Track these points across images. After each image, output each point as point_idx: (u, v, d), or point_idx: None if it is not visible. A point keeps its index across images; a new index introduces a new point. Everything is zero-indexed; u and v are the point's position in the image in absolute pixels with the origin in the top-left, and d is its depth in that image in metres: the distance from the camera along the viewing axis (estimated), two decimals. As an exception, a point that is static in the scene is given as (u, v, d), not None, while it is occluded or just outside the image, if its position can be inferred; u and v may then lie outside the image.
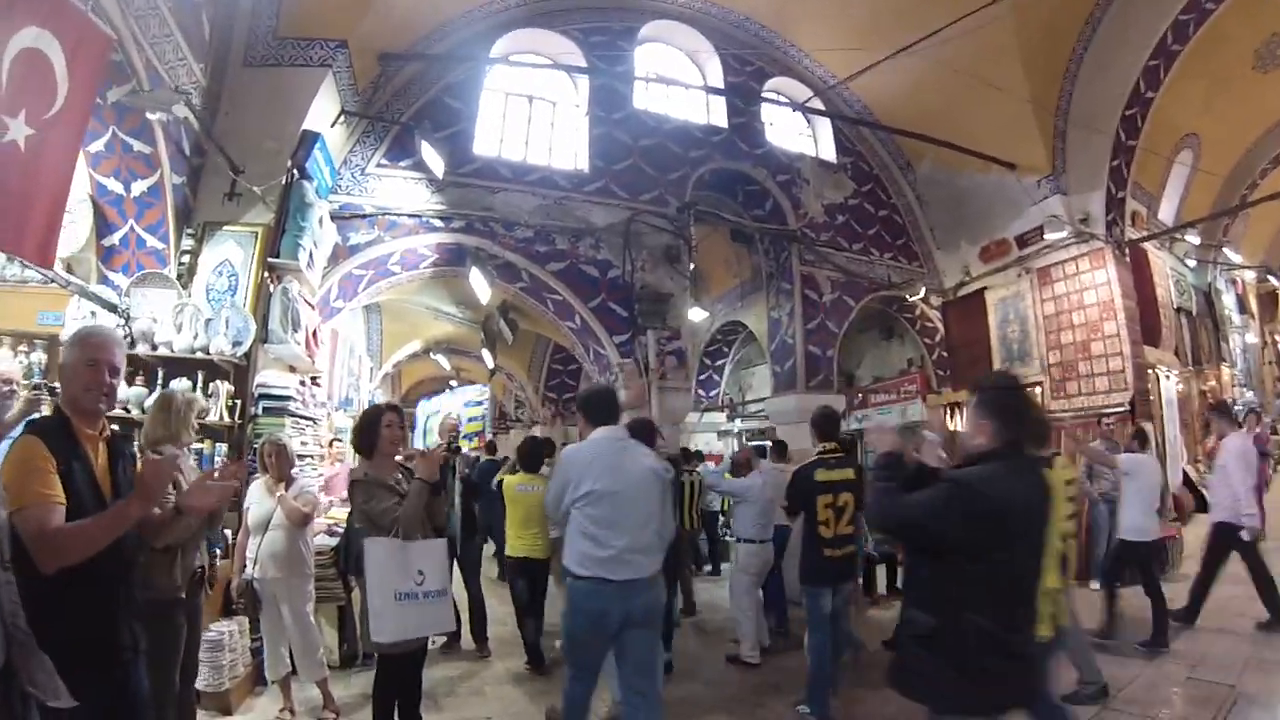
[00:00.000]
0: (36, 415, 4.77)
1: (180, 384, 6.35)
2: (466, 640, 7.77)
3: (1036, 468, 2.90)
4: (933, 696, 2.85)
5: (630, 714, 4.15)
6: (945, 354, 13.68)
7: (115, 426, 3.27)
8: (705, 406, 17.23)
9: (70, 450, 2.68)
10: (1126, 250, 11.06)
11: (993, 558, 2.67)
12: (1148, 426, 8.93)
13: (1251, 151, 14.06)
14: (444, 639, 7.66)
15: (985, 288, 12.66)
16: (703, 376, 17.27)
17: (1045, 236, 11.14)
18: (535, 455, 7.40)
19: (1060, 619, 2.99)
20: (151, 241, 6.73)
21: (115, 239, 6.69)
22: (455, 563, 7.80)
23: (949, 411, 13.65)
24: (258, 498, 5.61)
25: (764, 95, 12.16)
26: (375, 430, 4.40)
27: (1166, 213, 13.66)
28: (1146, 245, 11.82)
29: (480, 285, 9.52)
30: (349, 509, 5.55)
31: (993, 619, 2.66)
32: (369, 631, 4.16)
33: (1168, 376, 12.05)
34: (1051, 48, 10.32)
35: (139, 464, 2.99)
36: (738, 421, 18.85)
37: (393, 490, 4.28)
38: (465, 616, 7.80)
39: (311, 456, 8.01)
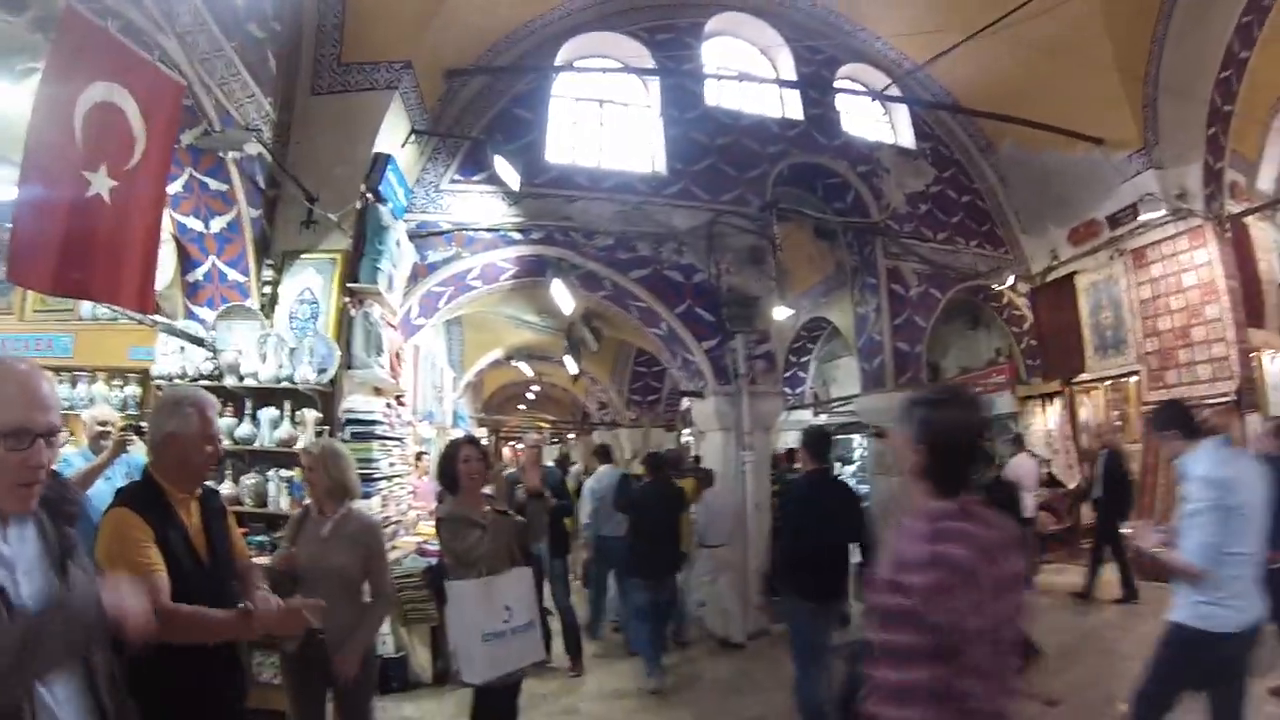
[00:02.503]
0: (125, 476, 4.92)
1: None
2: (559, 657, 7.77)
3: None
4: None
5: None
6: (1034, 342, 13.17)
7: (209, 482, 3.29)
8: (792, 404, 16.99)
9: (164, 517, 2.68)
10: (1228, 226, 10.34)
11: None
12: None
13: (1355, 104, 13.16)
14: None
15: (1075, 272, 12.05)
16: (787, 374, 17.01)
17: (1140, 215, 10.48)
18: None
19: None
20: (233, 275, 6.89)
21: (198, 274, 6.90)
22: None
23: (1040, 404, 13.16)
24: None
25: (837, 85, 11.86)
26: (454, 467, 4.37)
27: (1266, 179, 12.69)
28: (1248, 218, 11.10)
29: (562, 296, 9.51)
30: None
31: None
32: (460, 671, 4.20)
33: (1273, 359, 11.34)
34: (1137, 12, 9.65)
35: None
36: (823, 417, 18.58)
37: (477, 525, 4.24)
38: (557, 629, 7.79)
39: (399, 476, 8.13)
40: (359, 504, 4.55)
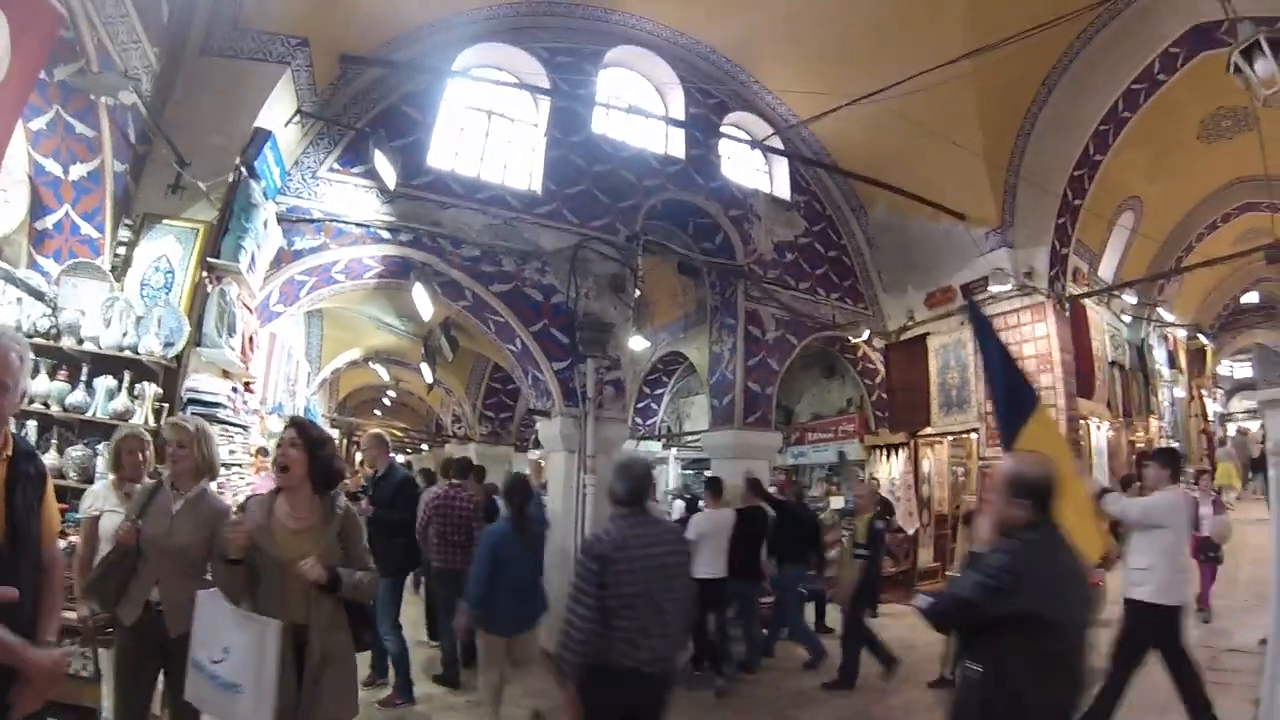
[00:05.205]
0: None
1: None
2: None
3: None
4: None
5: None
6: (885, 395, 13.78)
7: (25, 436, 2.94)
8: (642, 435, 17.12)
9: None
10: (1067, 305, 11.25)
11: None
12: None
13: (1190, 216, 14.67)
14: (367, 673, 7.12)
15: (928, 333, 12.75)
16: (641, 404, 17.17)
17: (990, 288, 11.22)
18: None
19: None
20: (86, 229, 6.40)
21: (49, 223, 6.34)
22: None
23: (884, 453, 13.80)
24: (114, 503, 4.60)
25: (723, 130, 12.14)
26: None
27: (1106, 269, 14.06)
28: (1085, 300, 12.07)
29: (423, 302, 9.36)
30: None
31: None
32: None
33: (1098, 428, 12.32)
34: (1008, 106, 10.52)
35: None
36: (673, 450, 18.79)
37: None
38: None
39: (240, 465, 7.73)
40: (212, 486, 4.26)
